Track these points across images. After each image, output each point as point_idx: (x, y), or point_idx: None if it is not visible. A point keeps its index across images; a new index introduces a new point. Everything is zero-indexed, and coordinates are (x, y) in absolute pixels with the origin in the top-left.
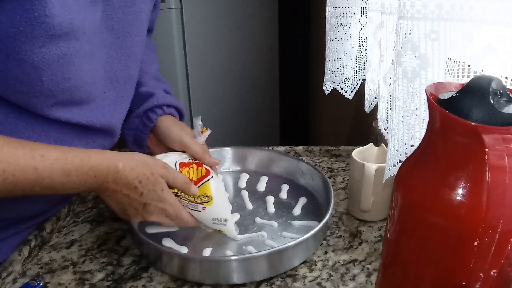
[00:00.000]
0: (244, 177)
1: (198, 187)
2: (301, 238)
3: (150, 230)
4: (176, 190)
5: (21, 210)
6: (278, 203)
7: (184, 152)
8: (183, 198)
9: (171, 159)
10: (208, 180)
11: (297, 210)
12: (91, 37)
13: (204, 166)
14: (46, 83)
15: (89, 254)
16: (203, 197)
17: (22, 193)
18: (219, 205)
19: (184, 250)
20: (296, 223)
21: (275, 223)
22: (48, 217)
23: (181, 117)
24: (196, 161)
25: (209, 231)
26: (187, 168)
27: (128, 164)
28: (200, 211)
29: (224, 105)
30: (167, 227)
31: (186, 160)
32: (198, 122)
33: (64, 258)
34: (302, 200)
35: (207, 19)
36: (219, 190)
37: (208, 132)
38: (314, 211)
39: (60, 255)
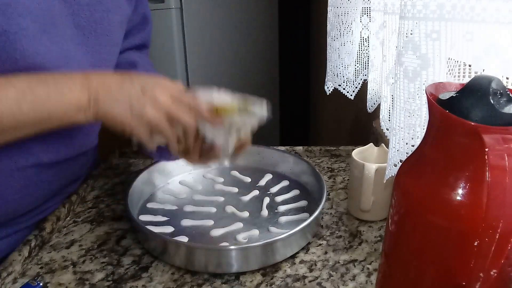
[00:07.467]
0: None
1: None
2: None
3: (144, 218)
4: None
5: (16, 205)
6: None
7: None
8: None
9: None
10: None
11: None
12: (39, 17)
13: None
14: None
15: (89, 254)
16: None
17: (12, 117)
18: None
19: (184, 239)
20: (285, 219)
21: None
22: (46, 216)
23: None
24: None
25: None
26: None
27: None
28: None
29: None
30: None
31: None
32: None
33: (64, 258)
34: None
35: (207, 19)
36: None
37: None
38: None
39: (60, 255)
